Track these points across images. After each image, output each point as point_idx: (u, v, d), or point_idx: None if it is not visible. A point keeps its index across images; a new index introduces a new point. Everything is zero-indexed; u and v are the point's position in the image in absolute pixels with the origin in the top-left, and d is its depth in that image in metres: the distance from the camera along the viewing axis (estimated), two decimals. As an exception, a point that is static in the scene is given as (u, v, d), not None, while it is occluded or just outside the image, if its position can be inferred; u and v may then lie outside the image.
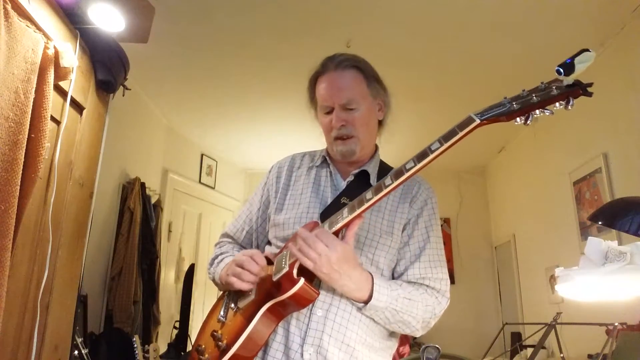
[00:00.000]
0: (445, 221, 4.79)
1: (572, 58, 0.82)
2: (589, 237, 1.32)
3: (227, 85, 3.36)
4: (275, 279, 1.05)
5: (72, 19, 1.52)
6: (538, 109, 0.87)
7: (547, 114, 0.88)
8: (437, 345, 1.80)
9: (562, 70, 0.83)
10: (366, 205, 0.98)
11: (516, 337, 3.60)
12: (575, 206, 2.99)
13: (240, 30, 2.69)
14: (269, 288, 1.06)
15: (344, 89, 1.17)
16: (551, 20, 2.51)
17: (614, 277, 1.21)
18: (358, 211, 0.99)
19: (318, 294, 1.02)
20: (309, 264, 0.98)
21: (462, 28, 2.62)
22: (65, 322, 1.55)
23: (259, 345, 1.04)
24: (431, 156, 0.93)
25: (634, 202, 1.42)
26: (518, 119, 0.89)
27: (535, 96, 0.87)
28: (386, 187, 0.97)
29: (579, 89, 0.84)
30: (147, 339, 3.09)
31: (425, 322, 1.11)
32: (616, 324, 1.76)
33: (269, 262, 1.13)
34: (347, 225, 1.02)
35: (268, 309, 1.04)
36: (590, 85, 0.84)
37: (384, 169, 1.26)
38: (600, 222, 1.50)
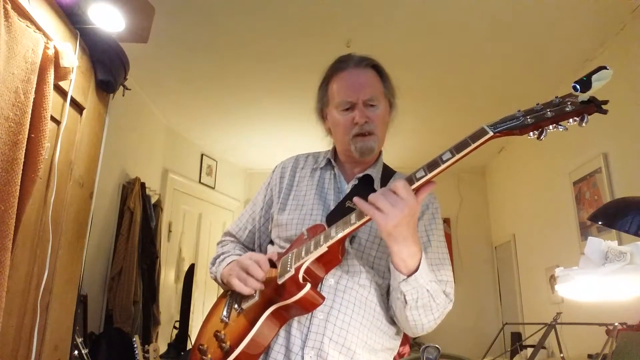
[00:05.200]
0: (445, 221, 4.79)
1: (589, 75, 0.80)
2: (589, 237, 1.32)
3: (227, 85, 3.35)
4: (280, 281, 1.05)
5: (72, 19, 1.52)
6: (551, 124, 0.86)
7: (561, 129, 0.86)
8: (437, 345, 1.80)
9: (578, 86, 0.81)
10: None
11: (516, 337, 3.60)
12: (575, 206, 2.99)
13: (240, 30, 2.69)
14: (273, 291, 1.06)
15: (366, 85, 1.18)
16: (551, 20, 2.51)
17: (614, 277, 1.21)
18: (366, 218, 0.98)
19: (323, 300, 1.02)
20: (378, 216, 0.94)
21: (462, 28, 2.62)
22: (65, 322, 1.55)
23: (262, 348, 1.04)
24: (442, 166, 0.92)
25: (634, 202, 1.42)
26: (531, 133, 0.88)
27: (549, 111, 0.85)
28: None
29: (594, 106, 0.82)
30: (147, 339, 3.09)
31: (437, 318, 1.10)
32: (616, 324, 1.76)
33: (272, 265, 1.12)
34: (354, 231, 1.02)
35: (272, 312, 1.03)
36: (605, 102, 0.82)
37: (387, 173, 1.27)
38: (600, 222, 1.50)
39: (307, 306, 1.02)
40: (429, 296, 1.04)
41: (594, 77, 0.80)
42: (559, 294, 1.48)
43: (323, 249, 1.03)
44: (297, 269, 1.03)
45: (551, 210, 3.40)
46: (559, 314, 1.95)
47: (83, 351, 2.07)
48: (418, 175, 0.94)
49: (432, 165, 0.93)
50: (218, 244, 1.39)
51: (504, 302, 4.46)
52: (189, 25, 2.65)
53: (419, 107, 3.50)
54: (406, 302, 1.04)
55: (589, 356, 2.40)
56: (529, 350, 3.05)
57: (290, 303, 1.00)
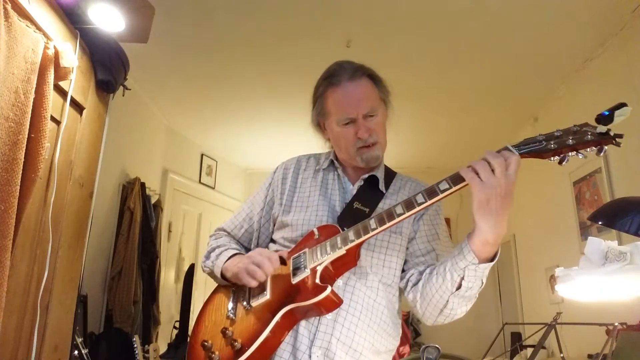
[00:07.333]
0: (446, 221, 4.78)
1: (612, 110, 0.86)
2: (589, 237, 1.31)
3: (227, 85, 3.36)
4: (294, 281, 1.04)
5: (72, 19, 1.52)
6: (571, 151, 0.89)
7: (580, 157, 0.90)
8: (437, 345, 1.80)
9: (601, 120, 0.87)
10: (397, 219, 0.98)
11: (516, 337, 3.60)
12: (575, 206, 2.98)
13: (240, 30, 2.69)
14: (287, 290, 1.05)
15: (364, 98, 1.17)
16: (551, 20, 2.51)
17: (614, 277, 1.21)
18: (388, 224, 0.99)
19: (341, 302, 1.02)
20: (474, 180, 0.91)
21: (462, 28, 2.62)
22: (65, 322, 1.55)
23: (275, 346, 1.04)
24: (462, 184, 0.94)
25: (634, 202, 1.42)
26: (552, 157, 0.92)
27: (571, 138, 0.89)
28: (418, 204, 0.97)
29: (610, 138, 0.87)
30: (147, 339, 3.09)
31: (464, 312, 1.09)
32: (616, 324, 1.76)
33: (282, 262, 1.12)
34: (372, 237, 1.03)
35: (286, 312, 1.02)
36: (621, 136, 0.87)
37: (389, 174, 1.28)
38: (600, 222, 1.50)
39: (327, 308, 1.02)
40: (479, 288, 1.01)
41: (616, 112, 0.86)
42: (559, 294, 1.48)
43: (341, 251, 1.03)
44: (313, 270, 1.03)
45: (551, 210, 3.40)
46: (559, 314, 1.95)
47: (83, 351, 2.07)
48: (442, 187, 0.97)
49: (455, 180, 0.96)
50: (211, 236, 1.37)
51: (504, 302, 4.46)
52: (189, 25, 2.65)
53: (419, 107, 3.50)
54: (459, 288, 1.00)
55: (589, 356, 2.40)
56: (529, 350, 3.05)
57: (310, 304, 1.00)
